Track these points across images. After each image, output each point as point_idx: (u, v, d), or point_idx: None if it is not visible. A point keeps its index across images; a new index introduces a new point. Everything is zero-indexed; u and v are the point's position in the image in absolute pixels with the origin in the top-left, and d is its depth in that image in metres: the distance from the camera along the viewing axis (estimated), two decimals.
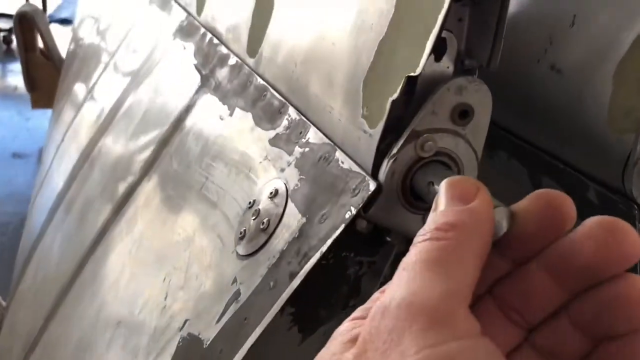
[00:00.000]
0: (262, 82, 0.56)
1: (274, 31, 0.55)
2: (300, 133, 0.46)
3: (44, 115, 2.64)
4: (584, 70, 0.51)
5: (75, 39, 1.96)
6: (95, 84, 1.35)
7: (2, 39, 4.61)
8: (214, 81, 0.68)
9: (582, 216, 0.58)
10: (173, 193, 0.62)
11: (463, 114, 0.36)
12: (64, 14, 3.69)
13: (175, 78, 0.84)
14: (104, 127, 1.07)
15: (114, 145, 0.97)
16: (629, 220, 0.48)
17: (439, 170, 0.36)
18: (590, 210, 0.52)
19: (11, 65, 4.28)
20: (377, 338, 0.24)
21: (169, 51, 0.93)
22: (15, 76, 3.84)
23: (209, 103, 0.66)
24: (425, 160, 0.36)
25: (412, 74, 0.34)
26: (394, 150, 0.36)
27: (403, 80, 0.35)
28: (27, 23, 2.41)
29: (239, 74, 0.62)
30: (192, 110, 0.69)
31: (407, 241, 0.39)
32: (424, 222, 0.28)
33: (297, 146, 0.46)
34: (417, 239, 0.26)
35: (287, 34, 0.52)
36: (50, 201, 1.21)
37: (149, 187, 0.69)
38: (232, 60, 0.66)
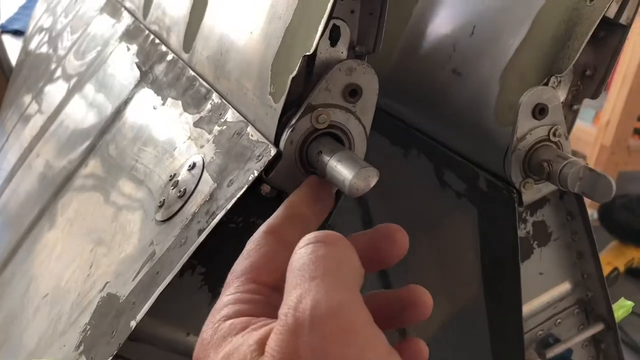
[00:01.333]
0: (193, 73, 0.61)
1: (206, 26, 0.60)
2: (220, 114, 0.51)
3: None
4: (479, 73, 0.58)
5: (26, 49, 1.96)
6: (41, 89, 1.36)
7: None
8: (152, 76, 0.72)
9: (474, 202, 0.64)
10: (106, 176, 0.66)
11: (353, 92, 0.41)
12: (16, 25, 3.64)
13: (117, 76, 0.88)
14: (45, 127, 1.09)
15: (56, 143, 0.99)
16: (510, 203, 0.55)
17: (329, 142, 0.41)
18: (481, 196, 0.58)
19: None
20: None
21: (114, 53, 0.96)
22: None
23: (145, 95, 0.70)
24: (320, 131, 0.41)
25: (307, 53, 0.39)
26: (293, 121, 0.41)
27: (301, 60, 0.40)
28: None
29: (174, 68, 0.67)
30: (130, 102, 0.73)
31: None
32: None
33: (216, 125, 0.50)
34: None
35: (216, 27, 0.57)
36: None
37: (86, 172, 0.72)
38: (170, 56, 0.70)
